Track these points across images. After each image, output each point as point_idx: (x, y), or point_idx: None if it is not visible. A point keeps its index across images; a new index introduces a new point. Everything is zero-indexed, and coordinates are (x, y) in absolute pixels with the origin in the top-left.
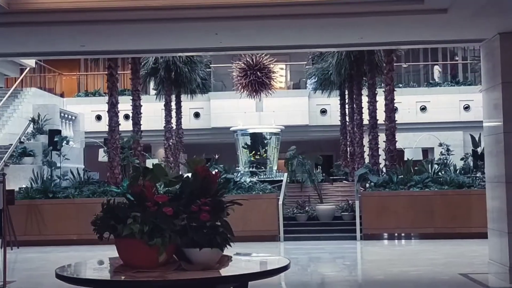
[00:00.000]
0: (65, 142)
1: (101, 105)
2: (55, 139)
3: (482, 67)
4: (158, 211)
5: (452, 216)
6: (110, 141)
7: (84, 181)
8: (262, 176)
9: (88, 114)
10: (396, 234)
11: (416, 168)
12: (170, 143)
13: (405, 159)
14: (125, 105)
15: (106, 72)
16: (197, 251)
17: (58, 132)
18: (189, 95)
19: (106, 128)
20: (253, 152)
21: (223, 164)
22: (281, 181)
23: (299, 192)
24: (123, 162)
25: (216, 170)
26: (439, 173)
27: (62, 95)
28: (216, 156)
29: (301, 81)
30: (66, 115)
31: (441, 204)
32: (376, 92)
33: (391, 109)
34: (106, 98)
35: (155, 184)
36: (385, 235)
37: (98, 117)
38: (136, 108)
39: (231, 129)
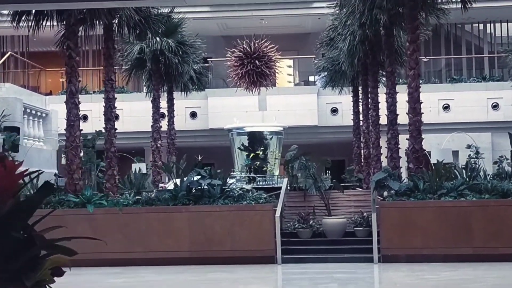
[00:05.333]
0: (13, 141)
1: (87, 103)
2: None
3: None
4: None
5: (494, 232)
6: (68, 139)
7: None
8: (261, 183)
9: None
10: (423, 255)
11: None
12: (159, 145)
13: (432, 162)
14: (119, 103)
15: (99, 67)
16: None
17: (16, 129)
18: (183, 92)
19: (92, 129)
20: (253, 154)
21: (213, 168)
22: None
23: (302, 201)
24: (86, 165)
25: (16, 162)
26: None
27: (50, 93)
28: (200, 158)
29: (309, 80)
30: (32, 112)
31: (481, 217)
32: (396, 82)
33: (416, 99)
34: (93, 96)
35: None
36: (409, 256)
37: (84, 117)
38: (109, 101)
39: (225, 127)
